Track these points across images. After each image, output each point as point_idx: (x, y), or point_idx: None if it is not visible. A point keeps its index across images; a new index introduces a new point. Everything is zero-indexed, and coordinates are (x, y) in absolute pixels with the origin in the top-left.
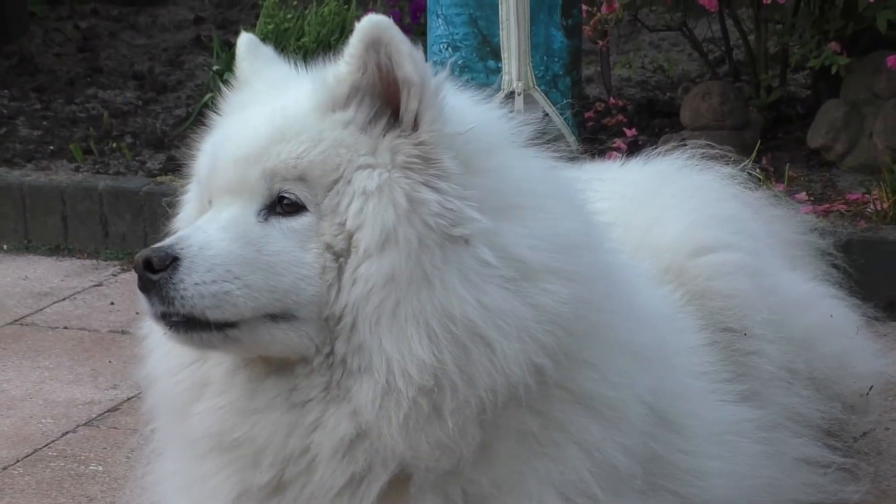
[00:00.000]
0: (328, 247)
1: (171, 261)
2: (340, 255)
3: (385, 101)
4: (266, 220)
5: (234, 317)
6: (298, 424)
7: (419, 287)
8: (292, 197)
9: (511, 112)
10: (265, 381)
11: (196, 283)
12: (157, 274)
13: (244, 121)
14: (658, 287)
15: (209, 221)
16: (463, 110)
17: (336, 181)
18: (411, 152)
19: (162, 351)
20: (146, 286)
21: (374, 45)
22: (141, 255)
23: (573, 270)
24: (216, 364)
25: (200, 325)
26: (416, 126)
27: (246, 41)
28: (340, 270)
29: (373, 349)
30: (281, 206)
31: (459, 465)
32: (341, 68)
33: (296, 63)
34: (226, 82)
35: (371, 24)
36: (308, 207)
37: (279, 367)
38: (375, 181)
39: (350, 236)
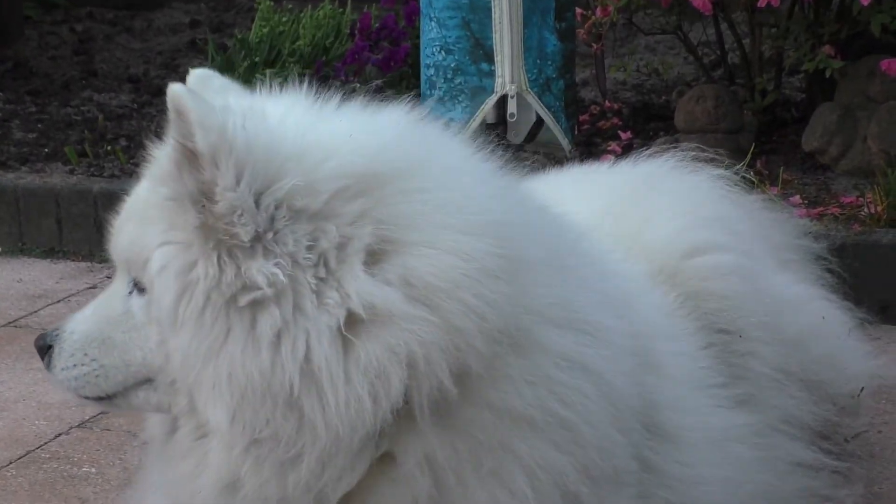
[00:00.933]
0: (158, 321)
1: (48, 349)
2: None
3: (188, 170)
4: (130, 294)
5: (101, 393)
6: (184, 473)
7: (206, 362)
8: (135, 276)
9: (434, 121)
10: (170, 436)
11: (62, 369)
12: (43, 360)
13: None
14: (651, 291)
15: (96, 298)
16: (334, 145)
17: (146, 261)
18: (194, 225)
19: None
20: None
21: (178, 115)
22: (35, 342)
23: (448, 307)
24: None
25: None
26: (213, 197)
27: (194, 79)
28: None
29: (202, 413)
30: (136, 283)
31: (360, 488)
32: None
33: (267, 87)
34: None
35: (170, 94)
36: (146, 286)
37: (173, 419)
38: (161, 261)
39: (161, 315)
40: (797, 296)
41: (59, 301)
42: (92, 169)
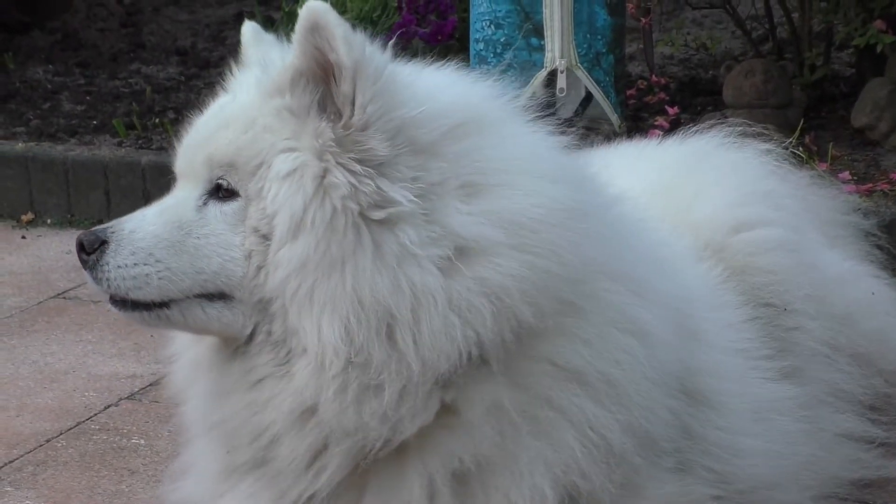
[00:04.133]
0: (255, 230)
1: (100, 244)
2: (267, 239)
3: (317, 84)
4: (205, 204)
5: (157, 297)
6: (256, 402)
7: (330, 272)
8: (224, 183)
9: (506, 88)
10: (231, 364)
11: (119, 266)
12: (88, 256)
13: (211, 107)
14: (696, 264)
15: (154, 205)
16: (437, 90)
17: (259, 166)
18: (329, 136)
19: (181, 335)
20: (84, 265)
21: (313, 29)
22: (78, 236)
23: (532, 245)
24: (206, 346)
25: (132, 304)
26: (351, 109)
27: (251, 29)
28: (267, 254)
29: (300, 332)
30: (219, 191)
31: (418, 437)
32: (287, 55)
33: None
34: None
35: (308, 9)
36: (239, 192)
37: (237, 348)
38: (289, 165)
39: (271, 221)
40: (846, 272)
41: None
42: (140, 141)
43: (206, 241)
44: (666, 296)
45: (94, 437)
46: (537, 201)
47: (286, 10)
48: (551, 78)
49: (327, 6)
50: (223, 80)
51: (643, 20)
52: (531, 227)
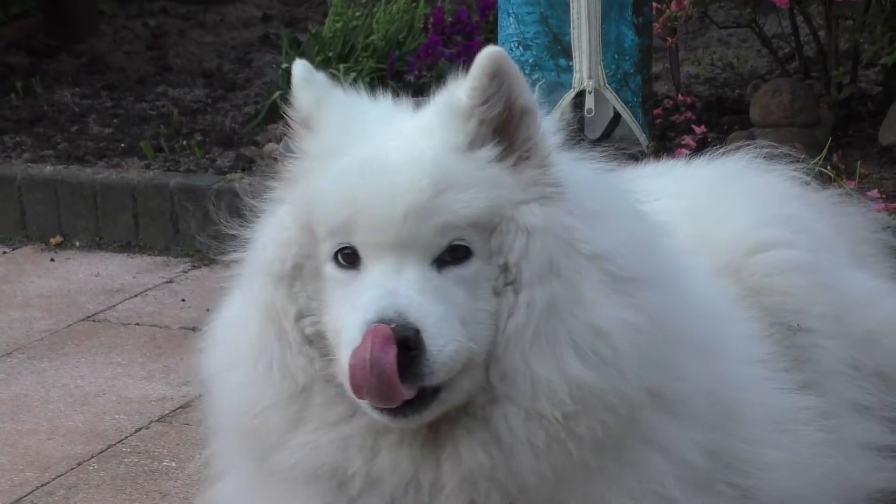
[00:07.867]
0: (493, 289)
1: (415, 333)
2: (498, 294)
3: (500, 132)
4: (440, 271)
5: (447, 376)
6: (429, 457)
7: (573, 308)
8: (462, 244)
9: (559, 119)
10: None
11: (440, 350)
12: (412, 351)
13: (379, 170)
14: (716, 281)
15: (390, 280)
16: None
17: (499, 223)
18: (548, 181)
19: (240, 371)
20: (408, 366)
21: (496, 75)
22: (396, 333)
23: (652, 276)
24: (314, 398)
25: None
26: (539, 154)
27: (302, 70)
28: (502, 309)
29: (519, 375)
30: (450, 254)
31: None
32: (467, 102)
33: (353, 86)
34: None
35: (491, 55)
36: (475, 253)
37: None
38: (529, 217)
39: (511, 272)
40: (871, 292)
41: (136, 295)
42: (168, 164)
43: (461, 310)
44: (698, 305)
45: (126, 459)
46: (642, 229)
47: (312, 31)
48: (579, 99)
49: (504, 51)
50: (305, 123)
51: (669, 40)
52: (647, 257)
